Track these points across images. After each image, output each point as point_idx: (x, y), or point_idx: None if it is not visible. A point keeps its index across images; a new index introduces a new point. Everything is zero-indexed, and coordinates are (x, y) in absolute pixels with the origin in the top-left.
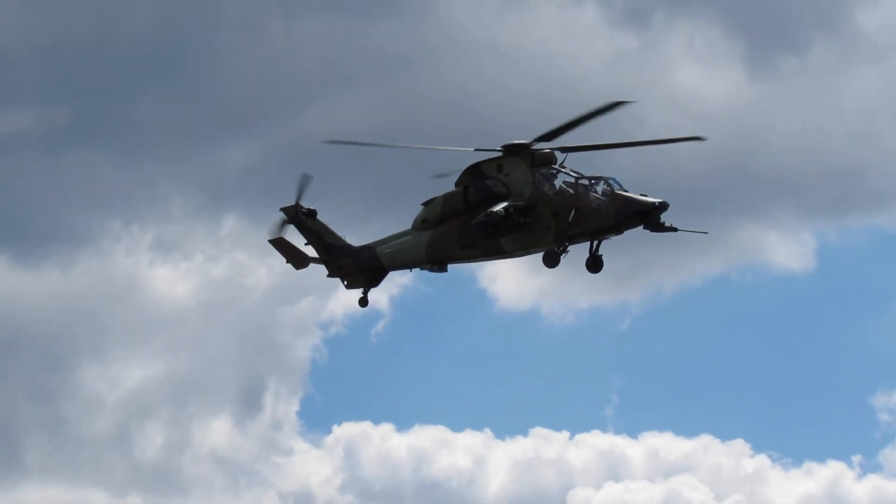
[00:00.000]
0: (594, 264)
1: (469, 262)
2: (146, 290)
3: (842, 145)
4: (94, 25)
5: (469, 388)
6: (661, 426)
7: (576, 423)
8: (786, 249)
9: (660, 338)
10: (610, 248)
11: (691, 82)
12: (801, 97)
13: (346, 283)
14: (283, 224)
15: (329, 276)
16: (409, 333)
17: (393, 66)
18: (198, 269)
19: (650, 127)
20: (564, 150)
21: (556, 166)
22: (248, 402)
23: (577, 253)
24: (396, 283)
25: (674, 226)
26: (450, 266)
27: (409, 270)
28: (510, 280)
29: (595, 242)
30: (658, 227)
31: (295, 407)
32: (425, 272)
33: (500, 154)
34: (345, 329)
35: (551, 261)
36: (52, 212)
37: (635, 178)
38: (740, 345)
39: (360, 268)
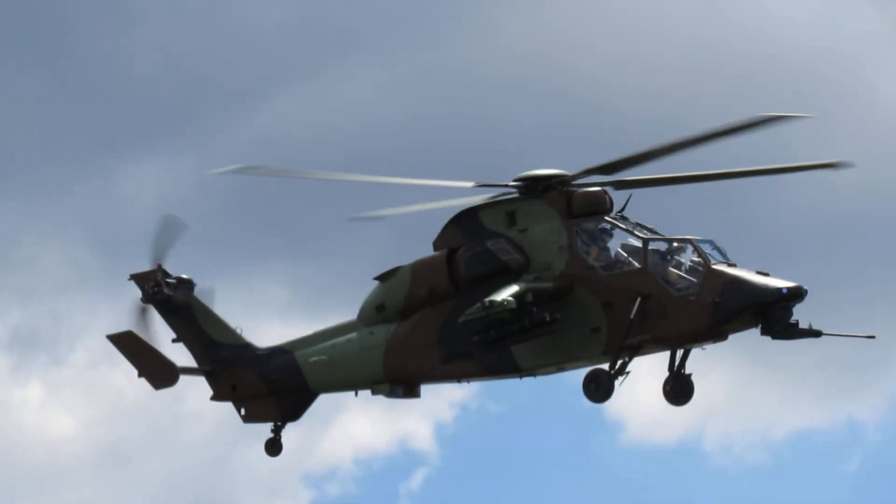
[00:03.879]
0: (679, 389)
1: (458, 382)
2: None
3: None
4: None
5: None
6: None
7: None
8: None
9: None
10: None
11: None
12: None
13: (242, 412)
14: (142, 306)
15: (214, 398)
16: (461, 483)
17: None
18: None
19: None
20: (618, 184)
21: (611, 217)
22: None
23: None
24: (444, 397)
25: (818, 329)
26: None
27: (355, 394)
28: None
29: (678, 354)
30: (790, 330)
31: None
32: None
33: (512, 193)
34: (354, 485)
35: (598, 389)
36: None
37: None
38: None
39: (268, 387)
